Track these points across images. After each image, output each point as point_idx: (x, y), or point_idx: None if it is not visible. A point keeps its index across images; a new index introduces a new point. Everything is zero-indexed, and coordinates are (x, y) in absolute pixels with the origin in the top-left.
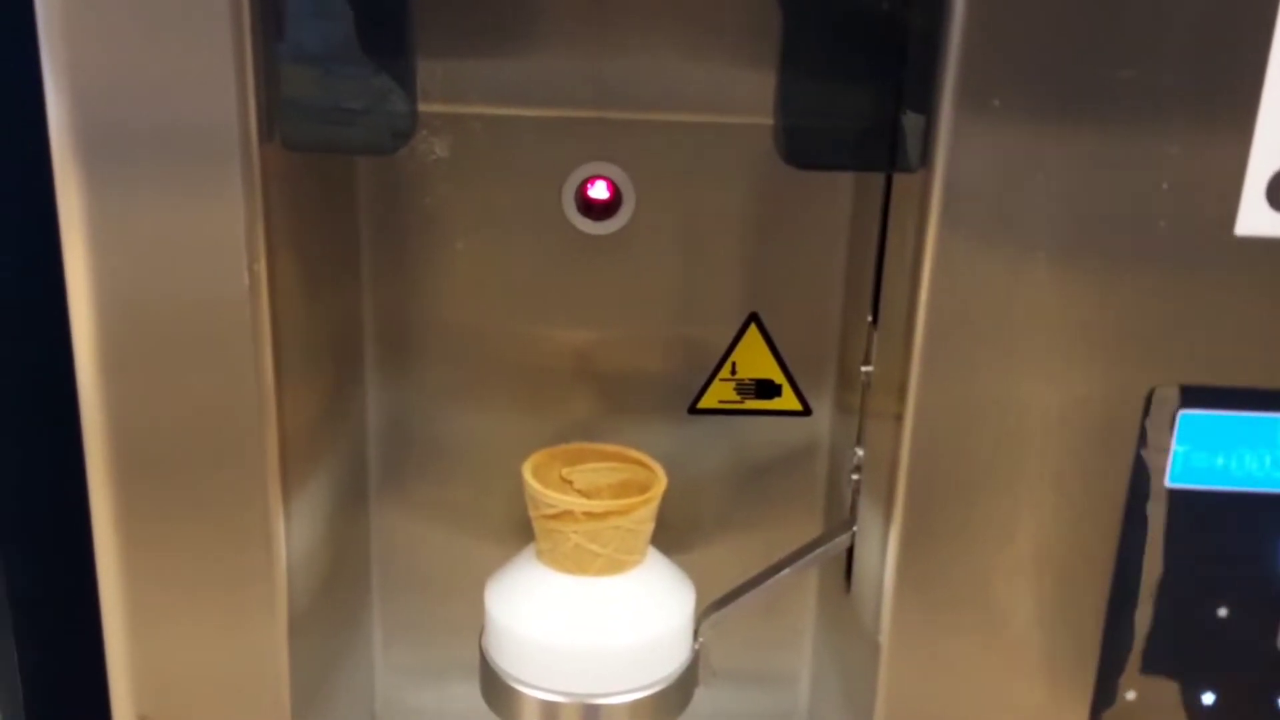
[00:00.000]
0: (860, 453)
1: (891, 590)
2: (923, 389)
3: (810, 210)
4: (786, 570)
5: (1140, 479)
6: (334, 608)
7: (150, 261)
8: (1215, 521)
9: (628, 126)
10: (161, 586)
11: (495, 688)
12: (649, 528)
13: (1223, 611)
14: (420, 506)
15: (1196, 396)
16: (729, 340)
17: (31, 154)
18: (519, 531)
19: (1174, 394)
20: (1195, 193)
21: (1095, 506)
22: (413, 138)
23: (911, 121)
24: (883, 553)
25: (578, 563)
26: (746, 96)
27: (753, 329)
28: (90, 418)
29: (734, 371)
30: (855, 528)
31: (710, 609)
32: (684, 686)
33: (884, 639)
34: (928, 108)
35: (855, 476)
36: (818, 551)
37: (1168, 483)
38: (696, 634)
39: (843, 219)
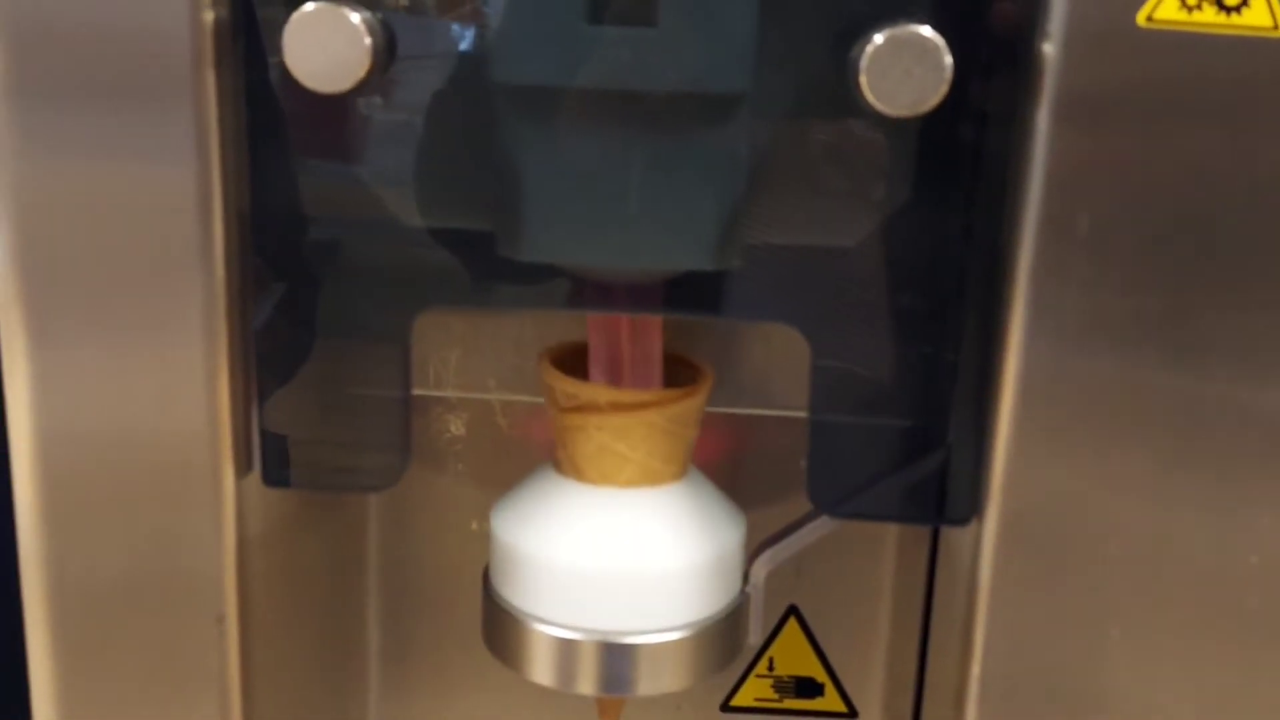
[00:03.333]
0: None
1: None
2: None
3: None
4: None
5: None
6: None
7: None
8: None
9: None
10: None
11: (499, 626)
12: (691, 434)
13: None
14: None
15: None
16: (767, 634)
17: None
18: None
19: None
20: None
21: None
22: (403, 474)
23: (961, 471)
24: None
25: (601, 470)
26: (782, 389)
27: (792, 622)
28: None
29: (771, 667)
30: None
31: (765, 544)
32: (728, 635)
33: None
34: (978, 454)
35: None
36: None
37: None
38: (747, 577)
39: None
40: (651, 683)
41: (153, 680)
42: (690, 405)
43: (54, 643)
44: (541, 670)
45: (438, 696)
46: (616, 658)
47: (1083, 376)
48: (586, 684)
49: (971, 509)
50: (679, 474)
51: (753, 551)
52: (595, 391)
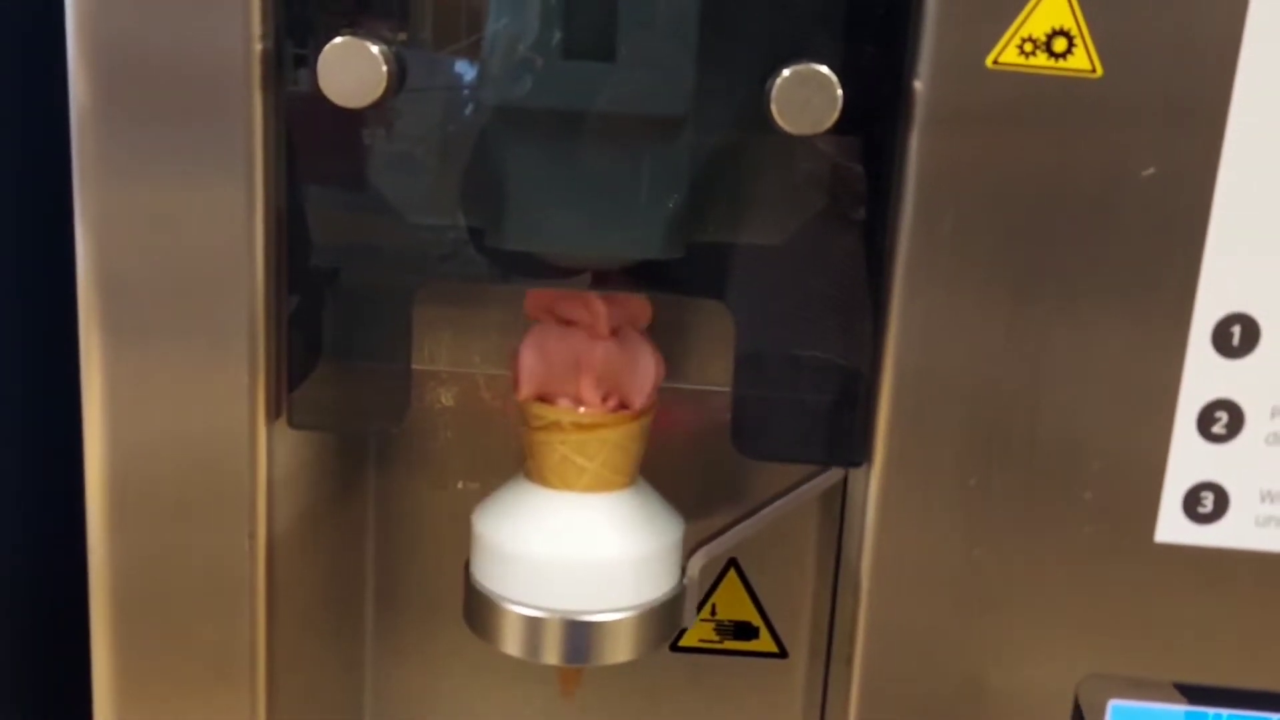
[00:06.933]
0: None
1: None
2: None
3: (785, 471)
4: (777, 503)
5: None
6: None
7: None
8: None
9: None
10: None
11: (478, 608)
12: (638, 449)
13: None
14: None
15: (1126, 688)
16: (710, 583)
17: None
18: None
19: (1105, 684)
20: (1119, 504)
21: None
22: (403, 421)
23: (856, 424)
24: None
25: (564, 477)
26: (724, 366)
27: (731, 573)
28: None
29: (714, 613)
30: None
31: (700, 544)
32: (669, 616)
33: None
34: (868, 411)
35: None
36: (807, 485)
37: None
38: (684, 570)
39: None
40: (604, 654)
41: (197, 586)
42: (637, 426)
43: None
44: (513, 643)
45: (423, 628)
46: (575, 633)
47: (944, 345)
48: (550, 655)
49: (863, 456)
50: (628, 482)
51: (690, 548)
52: (560, 414)
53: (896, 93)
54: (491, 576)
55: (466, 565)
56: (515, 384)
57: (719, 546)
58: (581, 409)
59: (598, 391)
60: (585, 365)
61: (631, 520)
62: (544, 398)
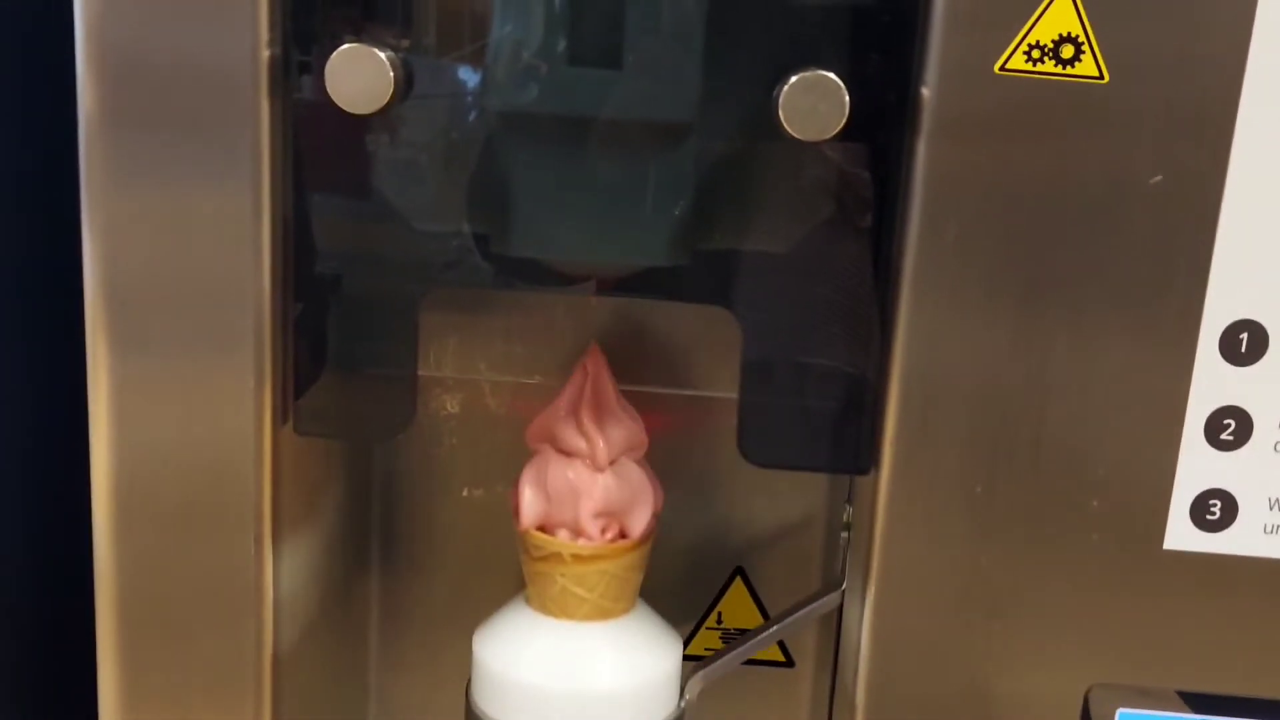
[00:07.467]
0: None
1: None
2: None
3: (792, 475)
4: (774, 628)
5: None
6: None
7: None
8: None
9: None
10: None
11: None
12: (637, 577)
13: None
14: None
15: (1134, 697)
16: (716, 591)
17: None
18: None
19: (1113, 693)
20: (1126, 511)
21: None
22: (408, 427)
23: (862, 431)
24: None
25: (564, 607)
26: (730, 373)
27: (738, 581)
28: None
29: (720, 621)
30: (845, 586)
31: (697, 667)
32: None
33: None
34: (875, 419)
35: (845, 534)
36: (805, 610)
37: None
38: (683, 692)
39: (821, 482)
40: None
41: (202, 594)
42: (636, 555)
43: (118, 565)
44: None
45: (427, 636)
46: None
47: (950, 352)
48: None
49: (869, 463)
50: (627, 609)
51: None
52: (559, 546)
53: (903, 99)
54: (491, 703)
55: (468, 688)
56: (515, 515)
57: (718, 670)
58: (580, 540)
59: (597, 523)
60: (584, 497)
61: (630, 648)
62: (544, 528)
